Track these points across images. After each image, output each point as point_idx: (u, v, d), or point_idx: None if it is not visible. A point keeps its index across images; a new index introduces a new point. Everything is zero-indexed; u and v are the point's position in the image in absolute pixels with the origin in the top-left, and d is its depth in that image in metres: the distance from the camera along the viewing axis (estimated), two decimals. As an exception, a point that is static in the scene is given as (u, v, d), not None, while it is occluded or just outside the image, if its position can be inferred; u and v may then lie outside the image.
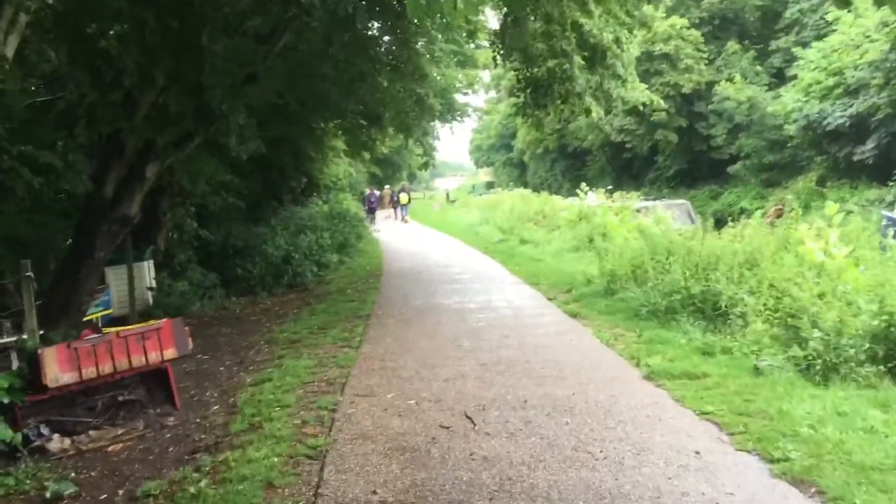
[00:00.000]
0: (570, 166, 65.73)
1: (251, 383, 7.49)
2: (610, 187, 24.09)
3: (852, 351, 6.52)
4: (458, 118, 20.15)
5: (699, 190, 43.82)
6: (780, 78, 41.03)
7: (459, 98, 20.32)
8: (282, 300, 14.05)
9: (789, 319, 7.53)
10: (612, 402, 6.11)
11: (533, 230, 23.82)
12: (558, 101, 11.56)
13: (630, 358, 7.61)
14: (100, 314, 11.24)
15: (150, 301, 12.62)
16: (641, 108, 34.57)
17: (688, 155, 44.83)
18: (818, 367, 6.53)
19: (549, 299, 11.91)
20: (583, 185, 22.10)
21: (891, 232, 10.54)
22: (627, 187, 50.33)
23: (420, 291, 13.34)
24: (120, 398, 6.79)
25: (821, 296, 7.65)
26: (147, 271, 12.88)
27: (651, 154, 48.88)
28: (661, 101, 13.15)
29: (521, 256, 18.57)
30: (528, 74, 12.32)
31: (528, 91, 11.93)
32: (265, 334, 10.24)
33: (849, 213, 13.72)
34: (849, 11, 32.86)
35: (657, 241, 11.44)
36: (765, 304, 8.17)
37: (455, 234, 28.04)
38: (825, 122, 31.54)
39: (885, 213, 16.45)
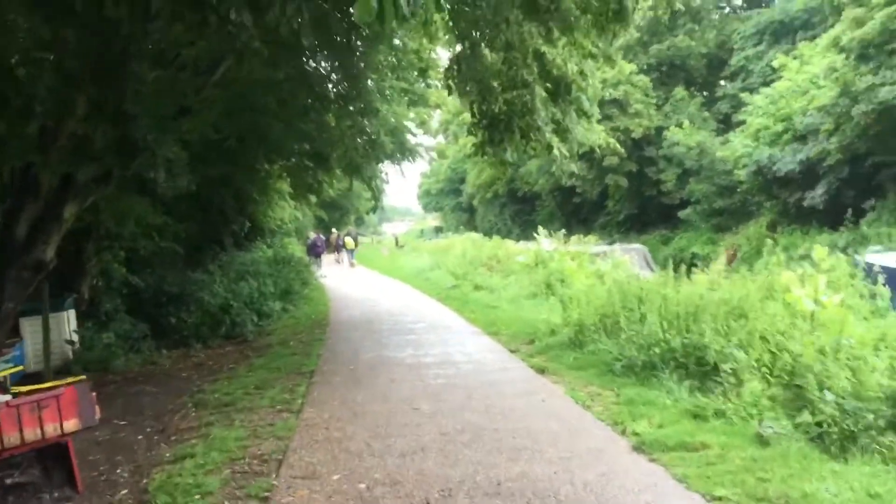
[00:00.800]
0: (519, 211, 65.69)
1: (170, 459, 6.30)
2: (563, 231, 23.49)
3: (871, 417, 5.67)
4: (410, 158, 19.25)
5: (650, 235, 43.78)
6: (727, 124, 41.48)
7: (410, 138, 19.45)
8: (217, 353, 12.81)
9: (790, 378, 6.68)
10: (602, 483, 5.12)
11: (487, 276, 22.95)
12: (517, 137, 10.72)
13: (613, 423, 6.66)
14: (10, 371, 9.88)
15: (70, 355, 11.31)
16: (596, 150, 34.44)
17: (638, 200, 44.87)
18: (834, 437, 5.66)
19: (512, 351, 10.94)
20: (539, 228, 21.34)
21: (880, 278, 9.89)
22: (577, 232, 50.27)
23: (371, 343, 12.24)
24: (8, 481, 5.55)
25: (821, 351, 6.84)
26: (67, 322, 11.55)
27: (601, 199, 48.86)
28: (618, 145, 12.28)
29: (476, 303, 17.62)
30: (484, 109, 11.50)
31: (486, 126, 11.09)
32: (195, 395, 9.01)
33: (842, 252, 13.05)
34: (795, 59, 33.40)
35: (627, 288, 10.59)
36: (758, 360, 7.32)
37: (405, 279, 26.99)
38: (775, 168, 31.64)
39: (871, 257, 15.73)
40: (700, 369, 7.84)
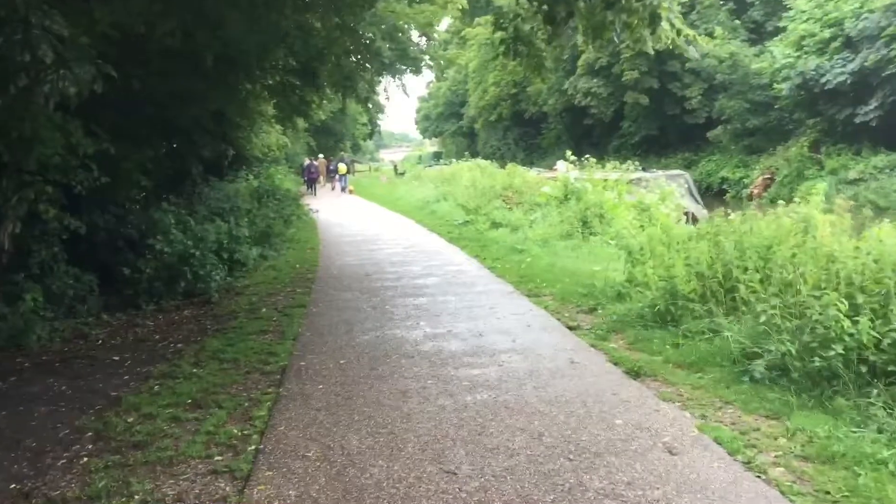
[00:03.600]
0: (524, 134, 62.22)
1: None
2: (587, 156, 19.90)
3: None
4: (413, 70, 15.67)
5: (670, 158, 40.12)
6: (759, 33, 37.42)
7: (413, 45, 15.81)
8: (169, 321, 9.63)
9: None
10: None
11: (504, 210, 19.63)
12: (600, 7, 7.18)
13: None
14: None
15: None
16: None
17: (658, 120, 41.09)
18: None
19: (571, 328, 7.71)
20: (567, 153, 17.86)
21: None
22: (587, 156, 46.63)
23: (369, 313, 8.95)
24: None
25: None
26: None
27: (615, 119, 45.05)
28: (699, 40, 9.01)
29: (497, 246, 14.32)
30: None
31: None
32: (103, 414, 5.78)
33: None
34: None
35: (746, 238, 7.25)
36: None
37: (408, 213, 23.61)
38: (823, 80, 27.90)
39: None
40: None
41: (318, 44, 13.97)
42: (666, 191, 16.30)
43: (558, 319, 8.13)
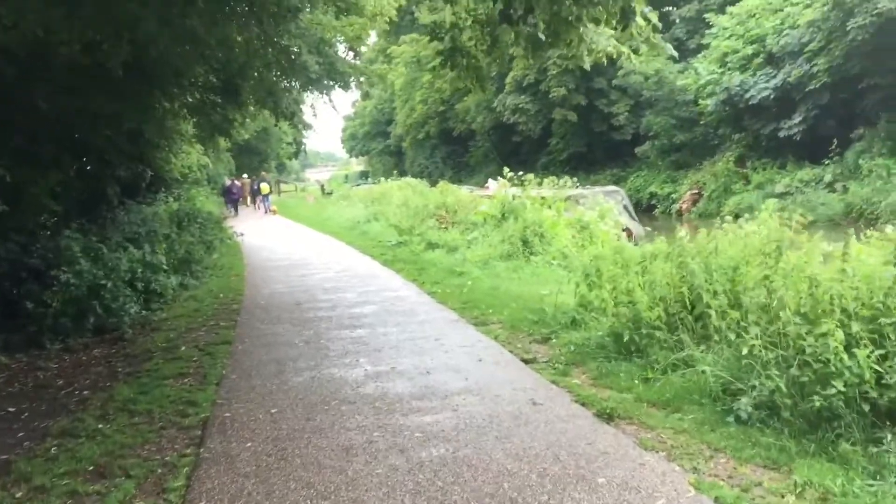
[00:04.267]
0: (451, 152, 62.11)
1: None
2: (522, 173, 19.33)
3: None
4: (342, 84, 14.87)
5: (599, 175, 40.25)
6: (682, 51, 37.89)
7: (341, 59, 15.03)
8: (77, 361, 8.62)
9: None
10: None
11: (439, 230, 18.97)
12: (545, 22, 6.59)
13: None
14: None
15: None
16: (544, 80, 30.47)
17: (585, 136, 41.25)
18: None
19: (527, 361, 7.05)
20: (505, 170, 17.30)
21: None
22: (515, 173, 46.50)
23: (302, 349, 8.10)
24: None
25: None
26: None
27: (543, 136, 45.06)
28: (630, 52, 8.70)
29: (435, 269, 13.62)
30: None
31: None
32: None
33: None
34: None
35: (707, 259, 6.72)
36: None
37: (338, 234, 22.72)
38: (747, 96, 28.30)
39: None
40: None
41: (240, 58, 13.20)
42: (605, 207, 15.92)
43: (511, 351, 7.45)
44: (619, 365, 6.45)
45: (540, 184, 16.92)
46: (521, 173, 18.97)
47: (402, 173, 54.39)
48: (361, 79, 15.00)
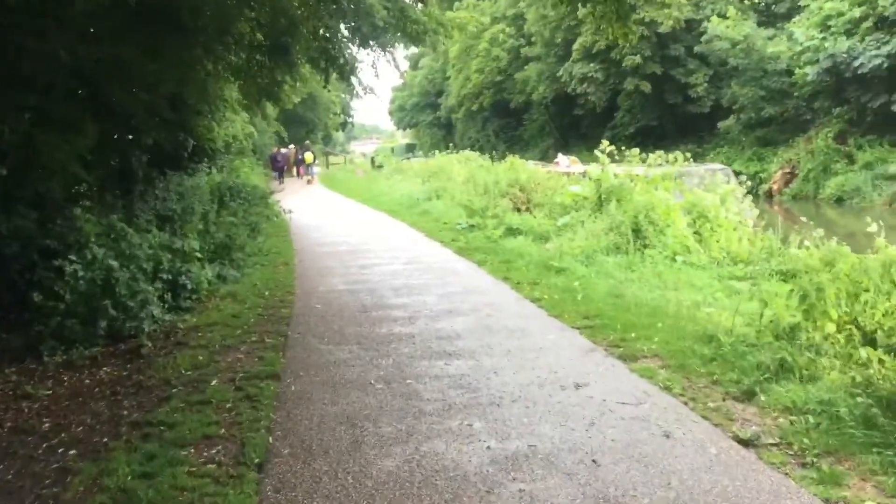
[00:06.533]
0: (504, 125, 59.38)
1: None
2: (606, 146, 16.45)
3: None
4: (413, 37, 12.27)
5: (671, 151, 36.88)
6: (769, 16, 34.43)
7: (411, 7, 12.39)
8: (76, 388, 6.42)
9: None
10: None
11: (513, 211, 16.43)
12: None
13: None
14: None
15: None
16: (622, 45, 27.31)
17: (657, 109, 37.99)
18: None
19: (745, 442, 4.43)
20: (603, 142, 14.53)
21: None
22: (575, 148, 43.59)
23: (381, 395, 5.54)
24: None
25: None
26: None
27: (607, 109, 41.92)
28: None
29: (524, 262, 11.06)
30: None
31: None
32: None
33: None
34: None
35: None
36: None
37: (396, 212, 20.18)
38: (855, 64, 24.96)
39: None
40: None
41: (291, 10, 10.96)
42: (726, 189, 13.12)
43: (705, 416, 4.86)
44: (873, 455, 3.86)
45: (644, 160, 14.17)
46: (623, 148, 16.15)
47: (451, 146, 52.07)
48: (436, 30, 12.35)
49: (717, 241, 11.65)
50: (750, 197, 14.21)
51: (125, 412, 5.67)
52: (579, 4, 7.06)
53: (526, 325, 7.54)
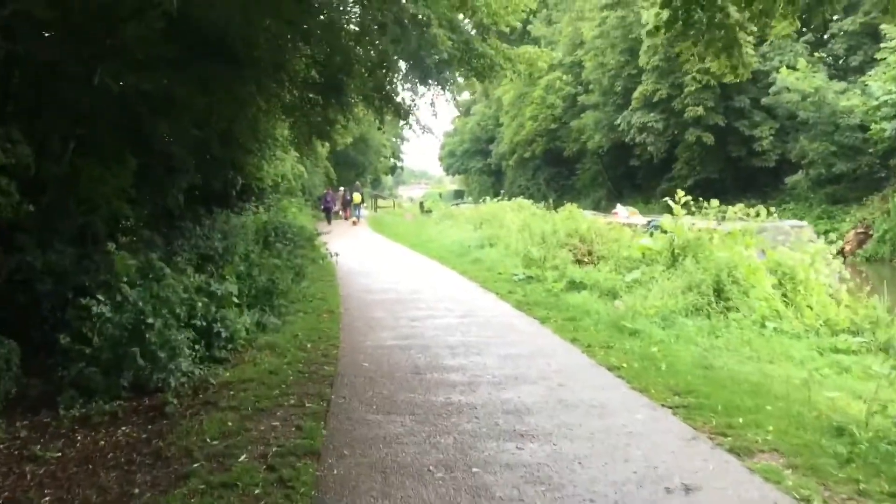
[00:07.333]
0: (556, 174, 58.55)
1: None
2: (681, 196, 15.24)
3: None
4: (478, 70, 11.47)
5: (732, 205, 35.60)
6: (840, 69, 33.16)
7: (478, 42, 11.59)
8: (89, 451, 5.65)
9: None
10: None
11: (573, 262, 15.36)
12: None
13: None
14: None
15: None
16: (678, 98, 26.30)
17: (719, 161, 36.65)
18: None
19: None
20: (679, 192, 13.49)
21: None
22: (629, 199, 42.43)
23: (441, 488, 4.53)
24: None
25: None
26: None
27: (665, 160, 40.75)
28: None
29: (591, 320, 10.00)
30: None
31: None
32: None
33: None
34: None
35: None
36: None
37: (446, 260, 19.24)
38: (939, 119, 23.57)
39: None
40: None
41: (345, 42, 10.81)
42: (816, 248, 11.92)
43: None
44: None
45: (723, 213, 13.08)
46: (699, 199, 15.03)
47: (499, 194, 51.43)
48: (503, 64, 11.51)
49: (809, 307, 10.43)
50: (841, 258, 12.93)
51: (136, 490, 4.83)
52: (681, 30, 6.12)
53: (606, 399, 6.45)
